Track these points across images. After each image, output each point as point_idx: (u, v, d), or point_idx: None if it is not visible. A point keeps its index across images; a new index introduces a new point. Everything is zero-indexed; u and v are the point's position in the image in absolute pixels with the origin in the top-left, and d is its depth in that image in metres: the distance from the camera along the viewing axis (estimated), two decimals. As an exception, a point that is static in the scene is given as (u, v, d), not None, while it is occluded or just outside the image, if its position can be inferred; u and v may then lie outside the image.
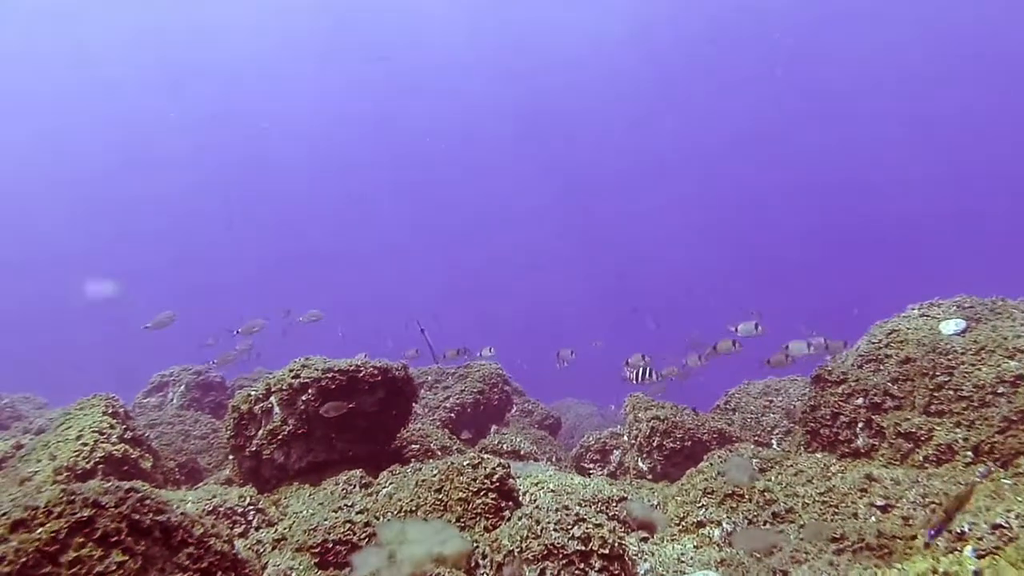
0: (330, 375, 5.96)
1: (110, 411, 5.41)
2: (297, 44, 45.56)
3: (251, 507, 4.68)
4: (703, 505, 4.80)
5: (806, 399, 6.59)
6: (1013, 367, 5.15)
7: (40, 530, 3.02)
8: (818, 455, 5.93)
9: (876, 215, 52.29)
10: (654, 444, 7.05)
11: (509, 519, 4.59)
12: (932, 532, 3.53)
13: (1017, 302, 6.30)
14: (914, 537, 3.98)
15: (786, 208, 54.91)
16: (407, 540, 4.25)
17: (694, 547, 4.48)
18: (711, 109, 49.32)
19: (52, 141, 52.15)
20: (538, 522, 4.24)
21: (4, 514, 3.15)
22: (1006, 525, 3.26)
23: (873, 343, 6.31)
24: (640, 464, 7.20)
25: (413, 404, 6.63)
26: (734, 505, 4.73)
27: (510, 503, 4.78)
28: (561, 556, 3.74)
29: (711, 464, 5.33)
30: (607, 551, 3.76)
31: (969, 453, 5.04)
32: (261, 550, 4.20)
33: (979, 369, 5.31)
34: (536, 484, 5.47)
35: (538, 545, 3.98)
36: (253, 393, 6.05)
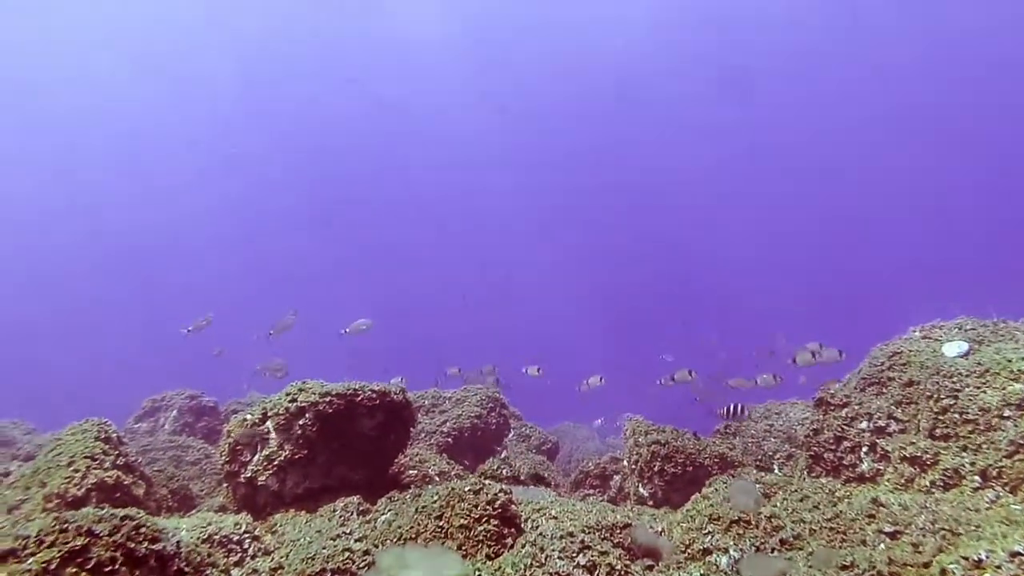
0: (327, 399, 5.87)
1: (102, 436, 5.30)
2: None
3: (247, 535, 4.56)
4: (709, 532, 4.70)
5: (808, 423, 6.53)
6: (1018, 390, 5.11)
7: (31, 560, 2.92)
8: (823, 480, 5.85)
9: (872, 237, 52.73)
10: (655, 469, 6.95)
11: (512, 546, 4.50)
12: None
13: (1019, 323, 6.29)
14: (927, 564, 3.90)
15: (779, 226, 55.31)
16: (406, 566, 4.14)
17: (701, 575, 4.39)
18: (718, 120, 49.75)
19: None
20: (542, 549, 4.15)
21: (-7, 544, 3.04)
22: None
23: (875, 366, 6.28)
24: (641, 490, 7.09)
25: (411, 429, 6.53)
26: (741, 532, 4.64)
27: (512, 530, 4.69)
28: (568, 585, 3.64)
29: (716, 490, 5.25)
30: (615, 580, 3.66)
31: (977, 478, 4.98)
32: (257, 580, 4.08)
33: (984, 392, 5.27)
34: (538, 510, 5.36)
35: (543, 573, 3.89)
36: (249, 418, 5.95)
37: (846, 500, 5.11)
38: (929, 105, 45.55)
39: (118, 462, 5.25)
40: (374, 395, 6.09)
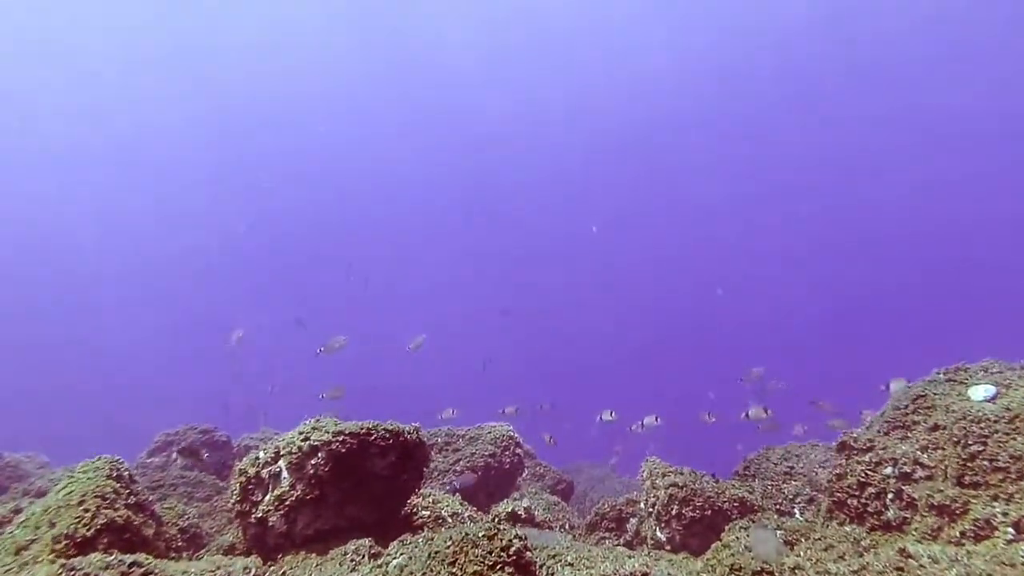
0: (340, 438, 5.81)
1: (114, 475, 5.25)
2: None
3: (256, 580, 4.47)
4: (731, 583, 4.55)
5: (831, 467, 6.37)
6: (1050, 437, 4.95)
7: (37, 612, 2.86)
8: (847, 528, 5.67)
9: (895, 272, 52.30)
10: (673, 513, 6.79)
11: (527, 596, 4.37)
12: None
13: (1049, 368, 6.14)
14: (960, 623, 3.73)
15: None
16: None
17: (723, 629, 4.23)
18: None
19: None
20: (558, 601, 4.02)
21: (0, 591, 2.99)
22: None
23: (899, 408, 6.13)
24: (658, 534, 6.91)
25: (425, 468, 6.44)
26: (764, 583, 4.49)
27: (527, 578, 4.56)
28: (585, 641, 3.52)
29: (737, 538, 5.09)
30: (634, 636, 3.53)
31: (1010, 530, 4.79)
32: (266, 628, 3.98)
33: (1014, 439, 5.11)
34: (553, 557, 5.23)
35: (559, 627, 3.77)
36: (261, 456, 5.89)
37: (872, 551, 4.94)
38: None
39: (129, 501, 5.20)
40: (387, 435, 6.02)
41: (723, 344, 50.21)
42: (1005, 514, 4.87)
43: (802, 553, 4.92)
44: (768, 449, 8.28)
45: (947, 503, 5.21)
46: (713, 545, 5.29)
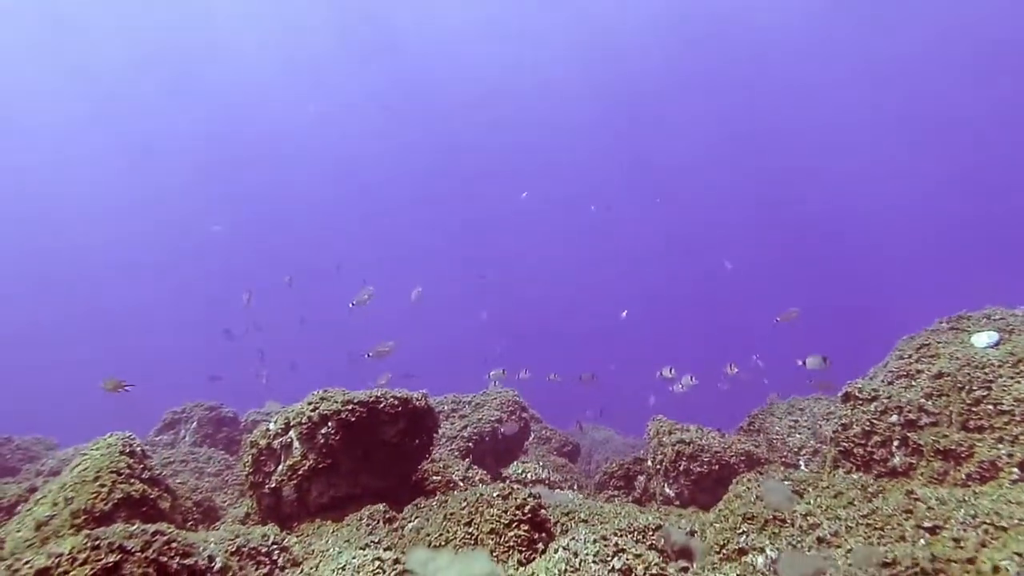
0: (350, 407, 5.83)
1: (127, 450, 5.27)
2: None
3: (275, 546, 4.52)
4: (744, 532, 4.63)
5: (836, 418, 6.44)
6: (1055, 379, 5.01)
7: (67, 579, 2.88)
8: (854, 475, 5.75)
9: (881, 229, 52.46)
10: (680, 469, 6.88)
11: (544, 552, 4.43)
12: None
13: (1052, 312, 6.18)
14: (972, 560, 3.80)
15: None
16: (438, 567, 4.09)
17: (737, 575, 4.31)
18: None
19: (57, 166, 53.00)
20: (576, 554, 4.08)
21: (27, 562, 3.01)
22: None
23: (903, 358, 6.18)
24: (667, 490, 7.01)
25: (434, 435, 6.48)
26: (776, 531, 4.56)
27: (543, 535, 4.62)
28: (607, 590, 3.58)
29: (748, 488, 5.16)
30: (654, 584, 3.59)
31: (1015, 470, 4.87)
32: (289, 592, 4.04)
33: (1019, 382, 5.17)
34: (567, 514, 5.30)
35: (579, 579, 3.82)
36: (272, 428, 5.92)
37: (881, 496, 5.01)
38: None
39: (143, 476, 5.22)
40: (396, 402, 6.05)
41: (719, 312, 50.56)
42: (1010, 455, 4.95)
43: (812, 501, 4.99)
44: (772, 404, 8.36)
45: (953, 447, 5.28)
46: (724, 496, 5.36)
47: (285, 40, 45.93)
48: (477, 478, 6.84)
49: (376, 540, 4.92)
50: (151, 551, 3.25)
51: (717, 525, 4.83)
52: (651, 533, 4.72)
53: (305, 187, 58.15)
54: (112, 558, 3.10)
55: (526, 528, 4.56)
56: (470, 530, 4.63)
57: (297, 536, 5.28)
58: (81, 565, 3.03)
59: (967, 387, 5.48)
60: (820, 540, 4.39)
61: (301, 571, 4.38)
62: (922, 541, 4.27)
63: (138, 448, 5.47)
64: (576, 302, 56.73)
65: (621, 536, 4.35)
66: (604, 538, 4.24)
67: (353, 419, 5.84)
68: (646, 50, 45.15)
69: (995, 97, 43.14)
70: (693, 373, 9.05)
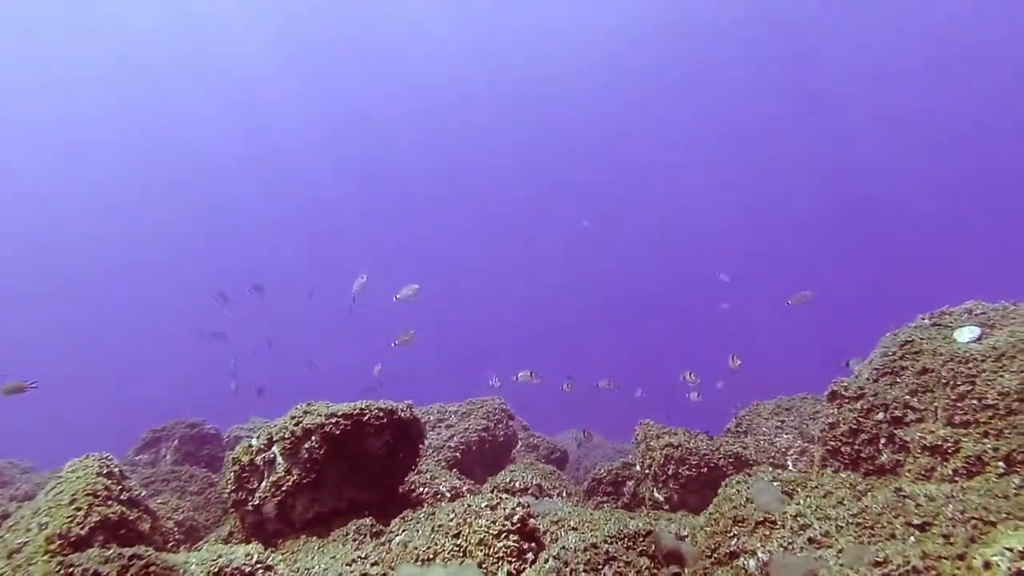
0: (334, 420, 5.73)
1: (104, 471, 5.13)
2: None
3: (259, 565, 4.41)
4: (734, 535, 4.59)
5: (822, 417, 6.44)
6: (1037, 372, 5.04)
7: (38, 609, 2.77)
8: (842, 474, 5.74)
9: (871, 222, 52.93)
10: (669, 472, 6.84)
11: (534, 562, 4.37)
12: None
13: (1031, 305, 6.24)
14: (962, 556, 3.79)
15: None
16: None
17: (729, 580, 4.27)
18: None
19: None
20: (566, 564, 4.02)
21: (-3, 593, 2.89)
22: (1066, 539, 3.10)
23: (888, 355, 6.20)
24: (656, 494, 6.97)
25: (421, 446, 6.39)
26: (767, 533, 4.53)
27: (533, 544, 4.56)
28: (598, 600, 3.52)
29: (738, 491, 5.13)
30: (647, 592, 3.54)
31: (1001, 464, 4.88)
32: (274, 613, 3.93)
33: (1002, 376, 5.19)
34: (556, 522, 5.24)
35: (571, 589, 3.77)
36: (254, 444, 5.80)
37: (870, 494, 5.00)
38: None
39: (122, 497, 5.09)
40: (381, 413, 5.95)
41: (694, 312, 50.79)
42: (996, 449, 4.96)
43: (802, 501, 4.97)
44: (759, 404, 8.37)
45: (939, 443, 5.29)
46: (714, 499, 5.33)
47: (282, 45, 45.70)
48: (465, 488, 6.75)
49: (363, 555, 4.82)
50: (128, 576, 3.14)
51: (708, 529, 4.79)
52: (641, 539, 4.66)
53: (278, 195, 57.79)
54: (87, 585, 2.99)
55: (515, 538, 4.49)
56: (458, 542, 4.56)
57: (282, 554, 5.17)
58: (54, 593, 2.92)
59: (951, 382, 5.51)
60: (811, 541, 4.36)
61: (286, 590, 4.28)
62: (912, 539, 4.26)
63: (116, 469, 5.33)
64: (537, 305, 56.87)
65: (611, 543, 4.30)
66: (594, 546, 4.19)
67: (337, 432, 5.74)
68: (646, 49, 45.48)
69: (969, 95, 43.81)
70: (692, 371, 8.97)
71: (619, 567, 3.99)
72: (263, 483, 5.69)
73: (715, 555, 4.51)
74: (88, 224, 56.12)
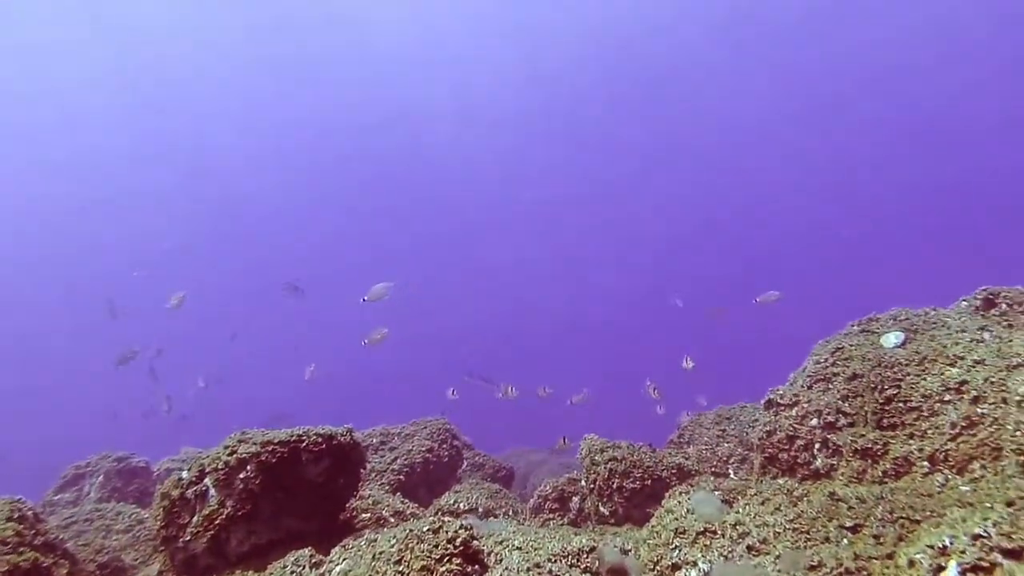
0: (270, 448, 5.53)
1: (16, 516, 4.80)
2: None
3: (188, 606, 4.19)
4: (676, 546, 4.62)
5: (760, 424, 6.58)
6: (955, 374, 5.28)
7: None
8: (780, 481, 5.87)
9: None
10: (614, 486, 6.86)
11: (477, 585, 4.28)
12: None
13: (948, 310, 6.54)
14: (891, 556, 3.90)
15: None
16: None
17: (673, 592, 4.28)
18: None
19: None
20: (509, 585, 3.96)
21: None
22: (985, 535, 3.22)
23: (820, 363, 6.39)
24: (601, 509, 6.97)
25: (362, 470, 6.23)
26: (708, 542, 4.58)
27: (476, 567, 4.47)
28: (540, 622, 3.47)
29: (678, 502, 5.17)
30: (588, 610, 3.51)
31: (925, 463, 5.08)
32: (203, 655, 3.73)
33: (924, 379, 5.42)
34: (500, 543, 5.16)
35: (513, 612, 3.70)
36: (185, 476, 5.54)
37: (805, 499, 5.12)
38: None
39: (36, 542, 4.77)
40: (319, 439, 5.78)
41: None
42: (921, 450, 5.16)
43: (741, 509, 5.05)
44: (700, 415, 8.50)
45: (869, 446, 5.47)
46: (656, 511, 5.36)
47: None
48: (409, 512, 6.61)
49: (301, 588, 4.64)
50: (37, 627, 2.92)
51: (650, 542, 4.81)
52: (585, 555, 4.64)
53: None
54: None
55: (458, 561, 4.40)
56: (400, 568, 4.43)
57: (215, 591, 4.93)
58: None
59: (879, 387, 5.71)
60: (750, 548, 4.42)
61: (217, 630, 4.07)
62: (845, 541, 4.37)
63: (29, 512, 5.00)
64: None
65: (554, 562, 4.26)
66: (537, 565, 4.15)
67: (274, 460, 5.54)
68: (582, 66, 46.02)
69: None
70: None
71: (562, 586, 3.95)
72: (195, 517, 5.43)
73: (658, 567, 4.52)
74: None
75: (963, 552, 3.19)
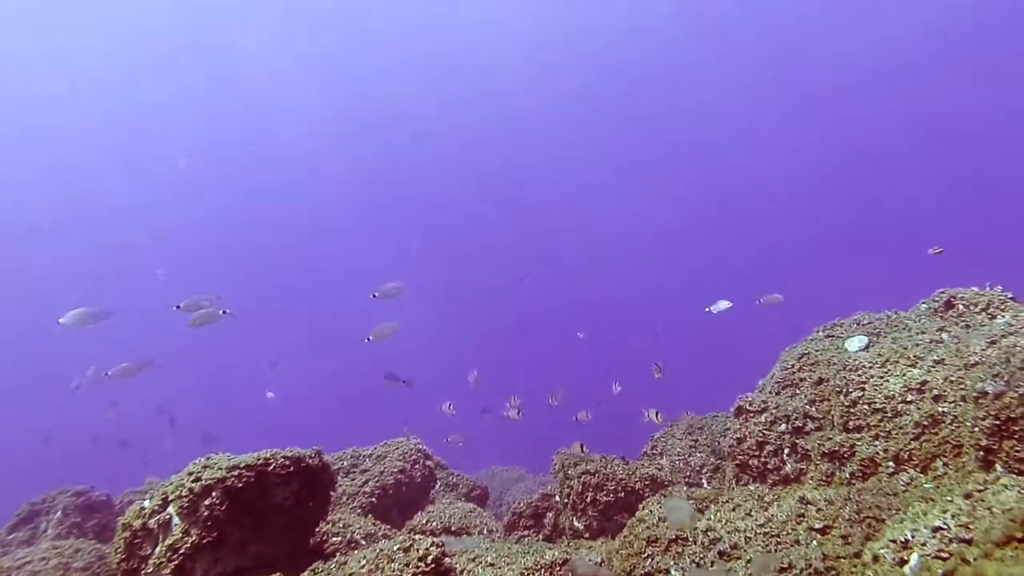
0: (236, 473, 5.40)
1: (-32, 550, 4.61)
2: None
3: (150, 638, 4.04)
4: (648, 555, 4.61)
5: (731, 432, 6.63)
6: (917, 375, 5.39)
7: None
8: (751, 487, 5.91)
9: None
10: (588, 500, 6.83)
11: (449, 603, 4.22)
12: None
13: (909, 313, 6.70)
14: (858, 554, 3.94)
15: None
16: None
17: (647, 602, 4.26)
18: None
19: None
20: (481, 601, 3.91)
21: None
22: (944, 527, 3.27)
23: (786, 369, 6.48)
24: (576, 523, 6.93)
25: (332, 493, 6.11)
26: (680, 550, 4.58)
27: (448, 585, 4.40)
28: (512, 635, 3.42)
29: (650, 512, 5.17)
30: (560, 621, 3.47)
31: (891, 463, 5.16)
32: None
33: (887, 381, 5.52)
34: (473, 559, 5.10)
35: (485, 627, 3.65)
36: (147, 505, 5.38)
37: (776, 503, 5.15)
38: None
39: (-11, 577, 4.58)
40: (287, 462, 5.66)
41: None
42: (886, 450, 5.25)
43: (712, 516, 5.06)
44: (672, 425, 8.53)
45: (836, 448, 5.54)
46: (628, 521, 5.35)
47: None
48: (381, 533, 6.50)
49: (268, 615, 4.52)
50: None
51: (623, 552, 4.79)
52: (558, 568, 4.61)
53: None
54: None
55: (430, 580, 4.33)
56: (371, 590, 4.35)
57: (179, 623, 4.78)
58: None
59: (844, 390, 5.80)
60: (721, 554, 4.43)
61: (181, 662, 3.94)
62: (815, 542, 4.40)
63: (-18, 546, 4.80)
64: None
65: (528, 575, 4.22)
66: (510, 580, 4.10)
67: (240, 485, 5.41)
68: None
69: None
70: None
71: (535, 599, 3.91)
72: (158, 548, 5.27)
73: (631, 577, 4.50)
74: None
75: (924, 544, 3.23)
